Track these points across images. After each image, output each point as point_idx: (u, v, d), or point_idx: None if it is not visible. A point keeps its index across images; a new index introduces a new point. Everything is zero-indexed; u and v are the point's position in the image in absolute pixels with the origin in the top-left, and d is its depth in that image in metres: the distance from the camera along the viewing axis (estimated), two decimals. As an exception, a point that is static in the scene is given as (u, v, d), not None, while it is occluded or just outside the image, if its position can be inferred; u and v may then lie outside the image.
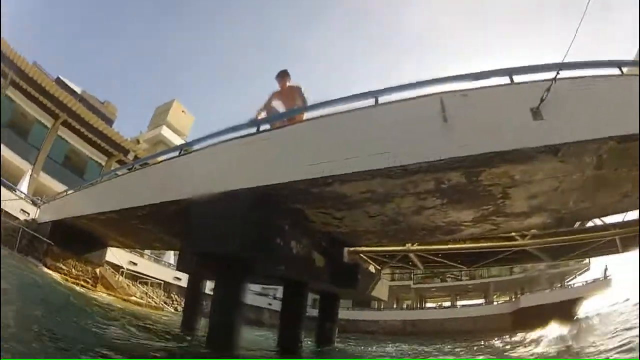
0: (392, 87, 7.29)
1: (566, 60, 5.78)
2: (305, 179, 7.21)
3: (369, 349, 16.79)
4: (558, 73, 5.70)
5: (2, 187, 20.57)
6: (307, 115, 8.84)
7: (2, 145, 24.96)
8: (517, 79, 6.26)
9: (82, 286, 18.39)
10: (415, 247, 12.04)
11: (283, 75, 10.39)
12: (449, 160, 5.89)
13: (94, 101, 37.05)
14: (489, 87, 6.30)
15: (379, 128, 6.85)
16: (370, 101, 7.32)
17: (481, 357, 9.95)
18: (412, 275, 46.62)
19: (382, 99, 7.22)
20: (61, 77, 35.24)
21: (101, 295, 18.85)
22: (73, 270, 19.13)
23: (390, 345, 19.52)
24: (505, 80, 6.30)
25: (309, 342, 12.42)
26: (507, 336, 19.88)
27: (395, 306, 48.17)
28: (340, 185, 7.14)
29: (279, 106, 10.45)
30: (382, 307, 44.44)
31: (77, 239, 18.08)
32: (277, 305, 32.06)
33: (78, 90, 36.35)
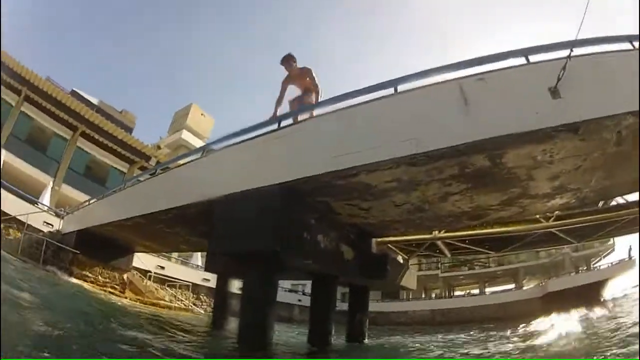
0: (410, 74, 7.31)
1: (579, 37, 5.76)
2: (330, 171, 7.25)
3: (404, 341, 16.65)
4: (572, 50, 5.69)
5: (23, 200, 21.01)
6: (327, 109, 8.62)
7: (16, 158, 25.80)
8: (533, 58, 6.24)
9: (110, 292, 18.65)
10: (442, 234, 12.04)
11: (287, 59, 10.43)
12: (472, 143, 5.91)
13: (111, 110, 37.35)
14: (506, 68, 6.30)
15: (400, 116, 6.91)
16: (389, 91, 7.34)
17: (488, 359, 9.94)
18: (439, 265, 46.60)
19: (401, 88, 7.23)
20: (76, 90, 35.57)
21: (129, 300, 19.14)
22: (100, 277, 19.43)
23: (419, 336, 19.57)
24: (521, 60, 6.29)
25: (341, 338, 12.36)
26: (535, 322, 19.93)
27: (423, 296, 48.07)
28: (366, 175, 7.17)
29: (294, 90, 10.59)
30: (410, 297, 44.51)
31: (103, 246, 18.31)
32: (307, 301, 32.05)
33: (94, 101, 36.69)
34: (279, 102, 10.50)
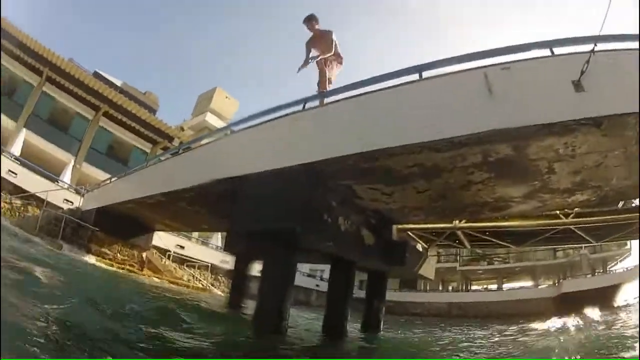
0: (435, 61, 7.43)
1: (604, 32, 5.75)
2: (355, 154, 7.37)
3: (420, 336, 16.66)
4: (595, 45, 5.73)
5: (43, 177, 21.79)
6: (353, 92, 8.62)
7: (37, 137, 26.57)
8: (558, 51, 6.28)
9: (128, 270, 19.04)
10: (463, 224, 12.14)
11: (310, 19, 10.43)
12: (495, 131, 6.01)
13: (135, 92, 37.61)
14: (530, 59, 6.35)
15: (425, 102, 6.99)
16: (414, 77, 7.41)
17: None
18: (458, 258, 46.62)
19: (426, 74, 7.32)
20: (99, 71, 35.95)
21: (147, 277, 19.52)
22: (118, 255, 19.88)
23: (439, 329, 19.67)
24: (546, 52, 6.33)
25: (356, 324, 12.58)
26: (548, 321, 19.97)
27: (440, 288, 48.19)
28: (389, 159, 7.30)
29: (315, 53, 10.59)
30: (427, 288, 44.72)
31: (122, 224, 18.71)
32: (324, 287, 32.34)
33: (118, 82, 37.01)
34: (304, 64, 10.48)
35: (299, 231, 8.41)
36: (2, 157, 20.86)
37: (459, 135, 6.25)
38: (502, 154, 6.61)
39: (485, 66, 6.55)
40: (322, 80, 10.34)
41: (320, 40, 10.41)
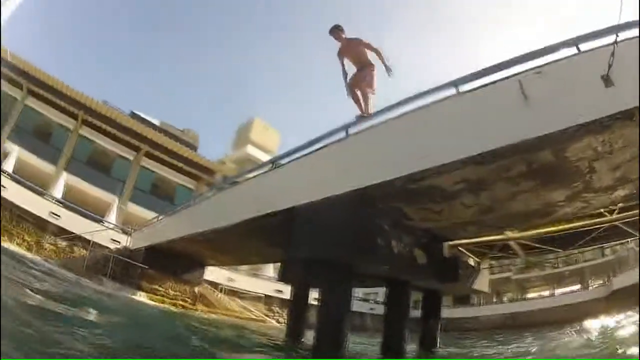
0: (469, 74, 7.53)
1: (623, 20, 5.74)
2: (401, 176, 7.49)
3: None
4: (617, 35, 5.71)
5: (87, 219, 22.41)
6: (395, 113, 8.68)
7: (78, 179, 27.44)
8: (583, 47, 6.28)
9: (181, 306, 19.49)
10: (514, 234, 12.20)
11: (333, 31, 10.33)
12: (534, 139, 6.04)
13: (173, 130, 38.43)
14: (559, 60, 6.36)
15: (464, 116, 7.13)
16: (451, 91, 7.55)
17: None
18: (511, 267, 46.17)
19: (461, 88, 7.44)
20: (135, 112, 36.72)
21: (201, 313, 19.85)
22: (170, 291, 20.32)
23: (494, 342, 19.64)
24: (572, 50, 6.34)
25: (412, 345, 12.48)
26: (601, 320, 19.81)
27: (495, 300, 47.44)
28: (435, 178, 7.37)
29: (348, 65, 10.51)
30: (482, 302, 44.34)
31: (173, 261, 19.29)
32: (379, 310, 32.34)
33: (155, 121, 37.78)
34: (344, 75, 10.51)
35: (353, 257, 8.58)
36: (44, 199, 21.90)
37: (501, 147, 6.30)
38: (544, 160, 6.64)
39: (517, 73, 6.64)
40: (359, 106, 10.28)
41: (349, 51, 10.39)
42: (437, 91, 7.94)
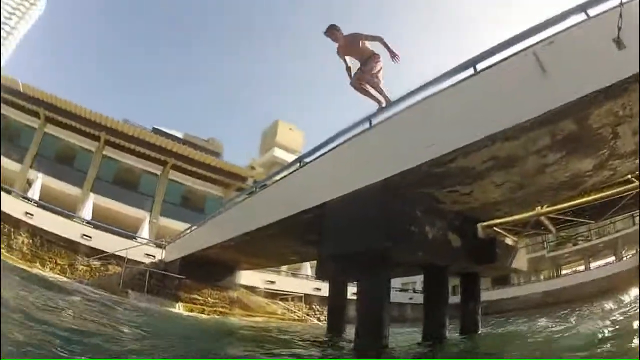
0: (485, 51, 7.61)
1: None
2: (427, 161, 7.55)
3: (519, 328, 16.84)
4: None
5: (119, 236, 23.20)
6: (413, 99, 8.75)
7: (106, 199, 28.30)
8: (592, 12, 6.22)
9: (220, 312, 19.97)
10: (545, 209, 12.17)
11: (329, 30, 10.36)
12: (558, 109, 6.04)
13: (197, 141, 39.10)
14: (570, 28, 6.35)
15: (485, 94, 7.14)
16: (469, 71, 7.61)
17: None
18: (545, 244, 46.05)
19: (479, 66, 7.49)
20: (157, 127, 37.26)
21: (240, 317, 20.24)
22: (209, 298, 20.79)
23: (536, 320, 19.51)
24: (582, 17, 6.31)
25: (454, 332, 12.55)
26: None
27: (532, 279, 47.24)
28: (463, 158, 7.41)
29: (354, 62, 10.52)
30: (520, 282, 44.38)
31: (208, 269, 19.69)
32: (418, 299, 32.69)
33: (178, 134, 38.38)
34: (348, 72, 10.53)
35: (388, 247, 8.59)
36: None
37: (525, 120, 6.32)
38: (568, 130, 6.63)
39: (530, 46, 6.65)
40: (372, 99, 10.35)
41: (348, 48, 10.36)
42: (455, 73, 7.99)
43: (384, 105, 9.96)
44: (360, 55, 10.33)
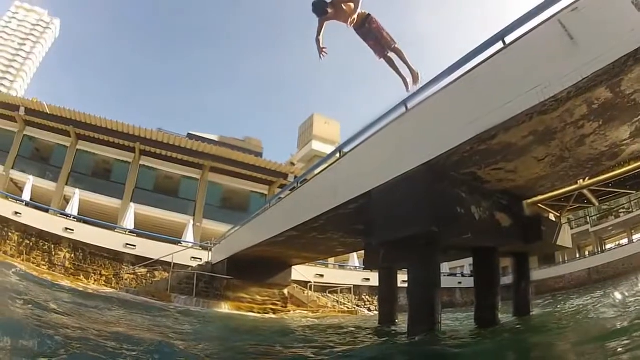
0: (511, 23, 7.73)
1: None
2: (469, 139, 7.64)
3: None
4: None
5: (164, 242, 24.14)
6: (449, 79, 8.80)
7: (148, 207, 29.07)
8: None
9: (271, 309, 20.38)
10: (587, 181, 12.16)
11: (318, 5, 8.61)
12: (591, 76, 6.01)
13: (234, 141, 39.60)
14: None
15: (518, 67, 7.20)
16: (499, 46, 7.75)
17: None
18: (588, 219, 45.82)
19: (508, 39, 7.63)
20: (192, 132, 37.81)
21: (291, 313, 20.80)
22: (258, 297, 21.26)
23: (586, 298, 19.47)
24: None
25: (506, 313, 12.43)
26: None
27: (577, 256, 46.88)
28: (504, 134, 7.48)
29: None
30: (566, 260, 44.15)
31: (257, 267, 20.07)
32: (467, 283, 32.71)
33: (214, 137, 38.85)
34: (319, 39, 9.01)
35: (436, 230, 8.56)
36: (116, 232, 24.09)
37: (561, 91, 6.32)
38: (602, 98, 6.61)
39: (553, 15, 6.70)
40: (402, 60, 9.32)
41: (340, 8, 8.72)
42: (484, 48, 8.18)
43: (413, 69, 9.37)
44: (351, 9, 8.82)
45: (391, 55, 9.29)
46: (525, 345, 8.27)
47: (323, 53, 9.09)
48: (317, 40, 9.04)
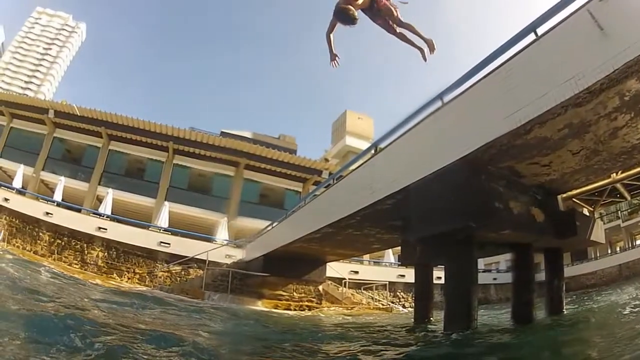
0: (543, 14, 7.90)
1: None
2: (506, 133, 7.74)
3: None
4: None
5: (198, 240, 24.67)
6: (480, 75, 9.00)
7: (181, 205, 29.60)
8: None
9: (306, 306, 20.75)
10: (620, 175, 12.09)
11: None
12: (622, 67, 6.04)
13: (268, 139, 40.08)
14: None
15: (550, 59, 7.30)
16: (530, 38, 7.92)
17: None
18: (619, 214, 45.56)
19: (539, 31, 7.78)
20: (224, 130, 38.14)
21: (326, 310, 21.13)
22: (294, 293, 21.63)
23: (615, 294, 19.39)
24: None
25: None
26: None
27: (609, 251, 45.88)
28: (539, 128, 7.57)
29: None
30: (597, 256, 43.48)
31: (292, 264, 20.30)
32: (502, 279, 32.11)
33: (248, 134, 39.20)
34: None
35: (474, 225, 8.73)
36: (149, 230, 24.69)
37: (594, 82, 6.38)
38: (634, 90, 6.65)
39: (582, 6, 6.79)
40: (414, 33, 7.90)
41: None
42: (516, 40, 8.37)
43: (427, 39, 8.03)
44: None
45: (402, 30, 8.18)
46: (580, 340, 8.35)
47: (336, 60, 7.97)
48: (328, 38, 7.92)
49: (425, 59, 8.26)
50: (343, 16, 7.37)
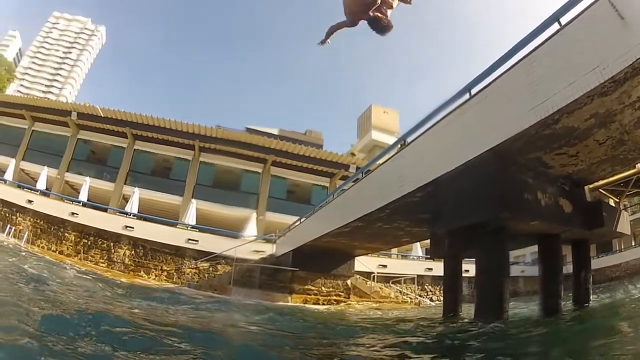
0: (565, 3, 7.94)
1: None
2: (534, 123, 7.81)
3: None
4: None
5: (226, 237, 25.14)
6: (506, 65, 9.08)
7: (209, 203, 30.07)
8: None
9: (335, 300, 21.18)
10: None
11: None
12: None
13: (294, 134, 40.83)
14: None
15: (574, 49, 7.37)
16: (554, 28, 8.01)
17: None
18: (641, 206, 44.57)
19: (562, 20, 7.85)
20: (250, 127, 38.47)
21: (355, 303, 21.39)
22: (323, 288, 22.03)
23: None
24: None
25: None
26: None
27: (633, 244, 44.40)
28: (567, 118, 7.66)
29: None
30: (622, 247, 43.13)
31: (321, 258, 20.53)
32: (529, 272, 32.24)
33: (274, 131, 39.52)
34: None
35: (505, 217, 8.91)
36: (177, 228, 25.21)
37: (618, 71, 6.40)
38: None
39: None
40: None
41: None
42: (539, 31, 8.46)
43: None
44: None
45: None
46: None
47: (327, 42, 7.16)
48: (331, 30, 7.11)
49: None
50: (378, 27, 6.61)
